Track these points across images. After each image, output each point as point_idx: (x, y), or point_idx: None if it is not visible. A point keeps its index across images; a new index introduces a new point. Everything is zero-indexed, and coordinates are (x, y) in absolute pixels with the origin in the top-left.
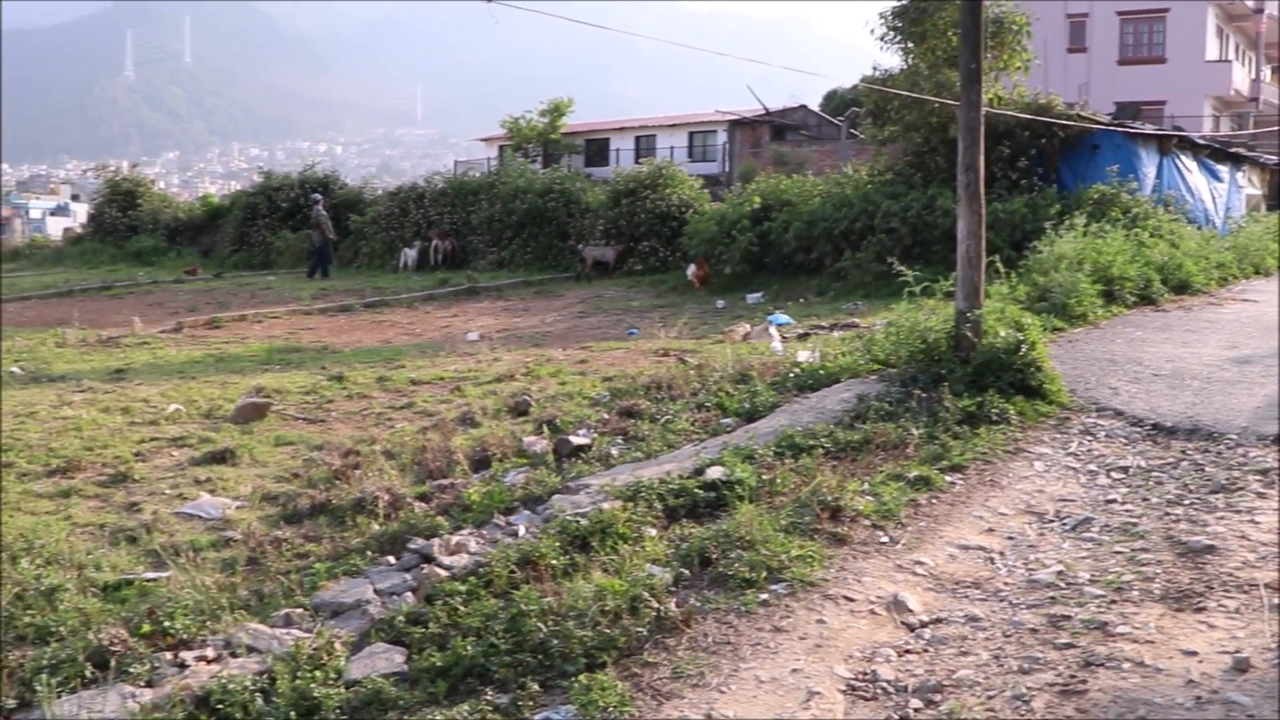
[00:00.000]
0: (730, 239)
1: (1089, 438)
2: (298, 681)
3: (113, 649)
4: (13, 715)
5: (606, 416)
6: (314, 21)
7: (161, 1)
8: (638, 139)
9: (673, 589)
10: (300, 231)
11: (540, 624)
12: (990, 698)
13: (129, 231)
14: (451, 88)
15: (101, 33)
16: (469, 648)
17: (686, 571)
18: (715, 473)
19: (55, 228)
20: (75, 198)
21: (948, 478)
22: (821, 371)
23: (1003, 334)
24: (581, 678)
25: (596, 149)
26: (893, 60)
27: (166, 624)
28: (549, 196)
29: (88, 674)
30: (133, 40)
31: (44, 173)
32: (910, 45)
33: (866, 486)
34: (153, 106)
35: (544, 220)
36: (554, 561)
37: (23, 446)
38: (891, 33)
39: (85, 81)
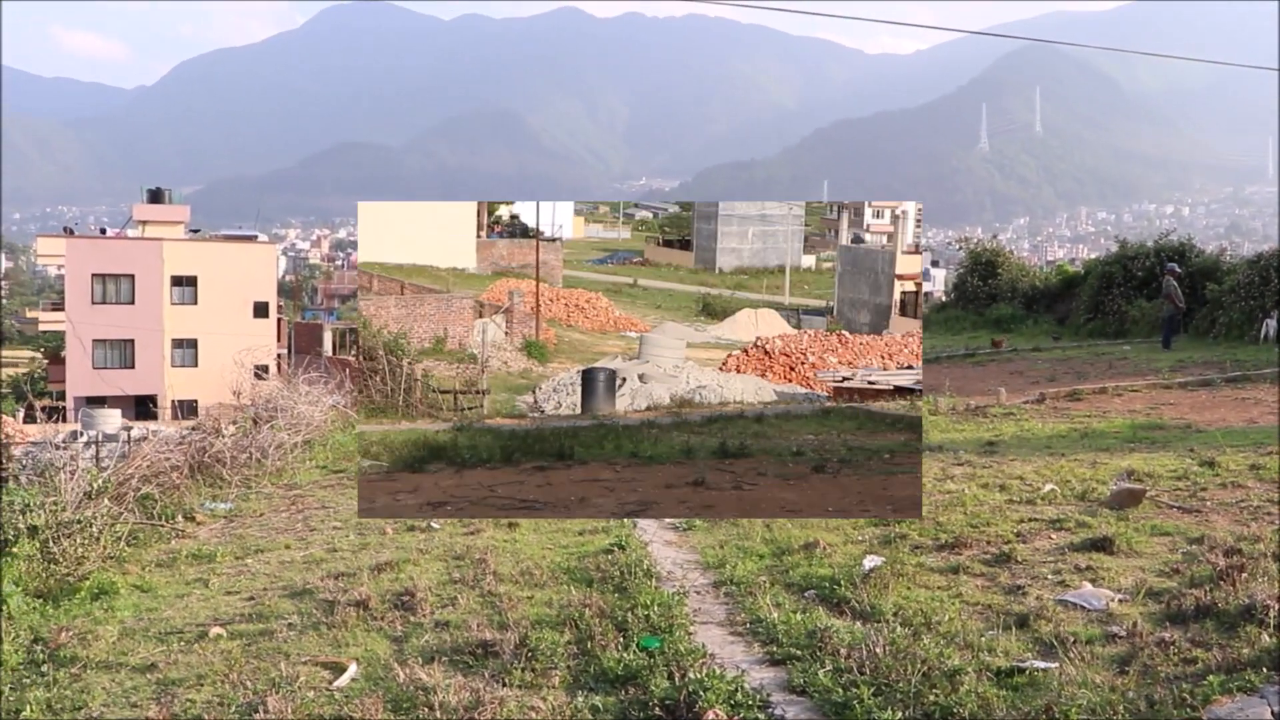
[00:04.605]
0: None
1: None
2: None
3: None
4: None
5: None
6: (1156, 82)
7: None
8: None
9: None
10: (1154, 300)
11: None
12: None
13: (988, 299)
14: None
15: (959, 110)
16: None
17: None
18: None
19: None
20: (935, 264)
21: None
22: None
23: None
24: None
25: None
26: None
27: None
28: None
29: None
30: (987, 113)
31: None
32: None
33: None
34: (1004, 175)
35: None
36: None
37: (913, 519)
38: None
39: (942, 154)
